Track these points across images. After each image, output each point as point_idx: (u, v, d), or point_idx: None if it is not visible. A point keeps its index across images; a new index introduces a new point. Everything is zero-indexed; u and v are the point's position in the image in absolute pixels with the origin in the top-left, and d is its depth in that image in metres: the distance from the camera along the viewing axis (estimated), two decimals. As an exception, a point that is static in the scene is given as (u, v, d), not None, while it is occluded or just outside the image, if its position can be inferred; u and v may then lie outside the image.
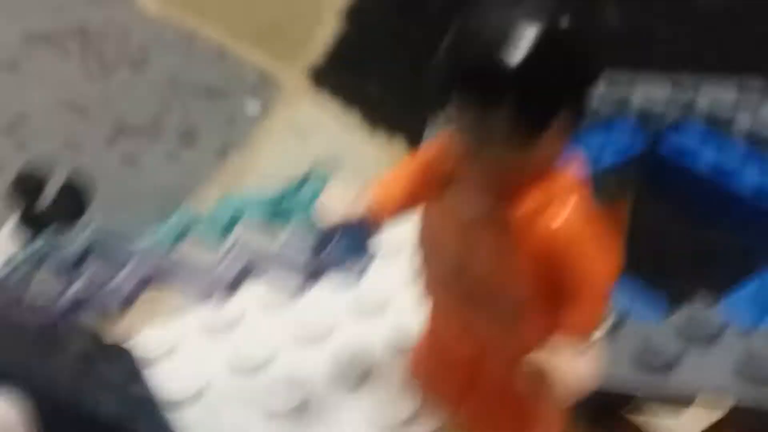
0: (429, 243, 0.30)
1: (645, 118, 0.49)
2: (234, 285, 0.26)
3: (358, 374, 0.33)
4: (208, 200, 0.78)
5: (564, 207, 0.25)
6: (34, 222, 0.29)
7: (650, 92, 0.51)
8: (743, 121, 0.47)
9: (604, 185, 0.49)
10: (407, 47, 1.00)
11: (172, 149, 0.86)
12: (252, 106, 0.92)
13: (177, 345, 0.34)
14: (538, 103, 0.24)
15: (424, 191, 0.28)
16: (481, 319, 0.28)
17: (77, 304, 0.24)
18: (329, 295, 0.37)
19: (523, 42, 0.23)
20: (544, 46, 0.24)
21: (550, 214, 0.25)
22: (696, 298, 0.36)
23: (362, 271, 0.27)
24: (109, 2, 1.15)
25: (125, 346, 0.31)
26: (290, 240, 0.27)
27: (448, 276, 0.29)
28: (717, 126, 0.48)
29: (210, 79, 0.96)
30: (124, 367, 0.28)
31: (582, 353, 0.25)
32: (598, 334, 0.26)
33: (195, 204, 0.77)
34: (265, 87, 0.95)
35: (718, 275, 0.53)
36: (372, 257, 0.27)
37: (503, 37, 0.23)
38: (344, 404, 0.32)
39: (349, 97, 0.92)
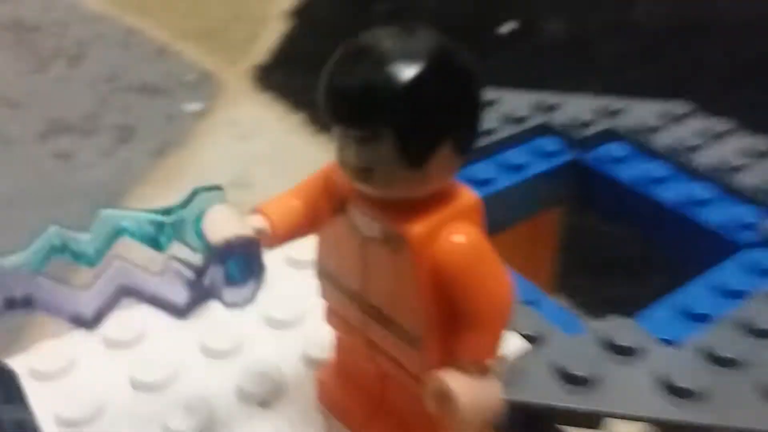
0: (329, 263, 0.29)
1: (569, 134, 0.50)
2: (104, 311, 0.24)
3: (266, 392, 0.32)
4: (144, 198, 0.77)
5: (458, 229, 0.25)
6: None
7: (575, 111, 0.51)
8: (664, 140, 0.48)
9: (533, 194, 0.49)
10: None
11: (107, 146, 0.85)
12: (192, 105, 0.91)
13: (74, 361, 0.33)
14: (421, 129, 0.23)
15: (319, 213, 0.28)
16: (385, 344, 0.28)
17: None
18: (237, 311, 0.36)
19: (405, 70, 0.23)
20: (428, 75, 0.23)
21: (444, 237, 0.25)
22: (617, 310, 0.36)
23: (253, 293, 0.26)
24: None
25: (2, 365, 0.29)
26: (173, 261, 0.25)
27: (350, 295, 0.28)
28: (639, 142, 0.49)
29: (149, 77, 0.94)
30: (1, 387, 0.26)
31: (481, 381, 0.25)
32: (498, 357, 0.25)
33: (130, 202, 0.76)
34: (206, 86, 0.94)
35: (641, 286, 0.54)
36: (262, 278, 0.26)
37: (385, 64, 0.23)
38: (250, 423, 0.31)
39: (294, 99, 0.91)
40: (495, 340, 0.25)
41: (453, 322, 0.25)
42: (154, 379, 0.32)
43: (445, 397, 0.24)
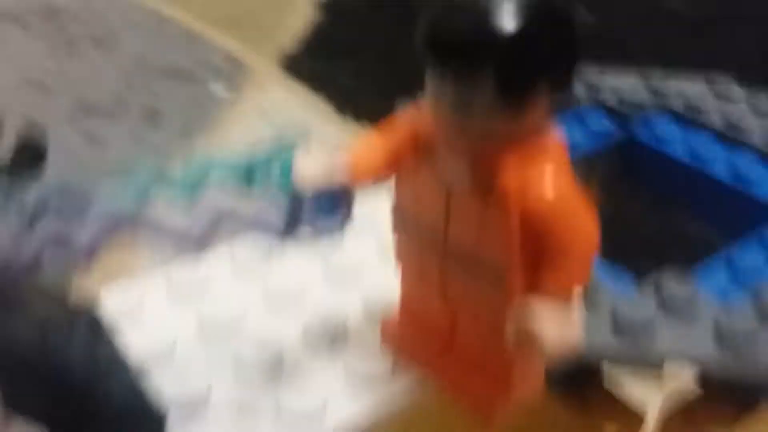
0: (407, 210, 0.29)
1: (616, 109, 0.50)
2: (202, 243, 0.25)
3: (331, 337, 0.32)
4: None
5: (548, 176, 0.25)
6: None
7: (621, 85, 0.51)
8: (713, 114, 0.48)
9: (580, 172, 0.49)
10: (379, 36, 1.00)
11: (136, 129, 0.85)
12: (220, 90, 0.91)
13: (143, 305, 0.33)
14: (519, 75, 0.24)
15: (401, 159, 0.28)
16: (461, 285, 0.28)
17: (37, 261, 0.23)
18: (302, 260, 0.36)
19: (504, 13, 0.23)
20: (526, 18, 0.23)
21: (534, 184, 0.25)
22: (666, 274, 0.36)
23: (338, 236, 0.27)
24: (77, -19, 1.14)
25: (90, 307, 0.30)
26: (262, 202, 0.26)
27: (427, 243, 0.28)
28: (688, 117, 0.49)
29: (178, 62, 0.94)
30: (90, 328, 0.27)
31: (566, 314, 0.25)
32: (579, 297, 0.26)
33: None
34: (233, 71, 0.94)
35: (689, 259, 0.54)
36: (348, 221, 0.27)
37: (485, 7, 0.23)
38: (317, 365, 0.31)
39: (320, 84, 0.91)
40: (579, 275, 0.26)
41: (537, 259, 0.26)
42: (223, 319, 0.33)
43: (528, 329, 0.25)
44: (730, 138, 0.47)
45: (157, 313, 0.33)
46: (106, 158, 0.80)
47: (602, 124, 0.50)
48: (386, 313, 0.33)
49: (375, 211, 0.36)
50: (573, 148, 0.48)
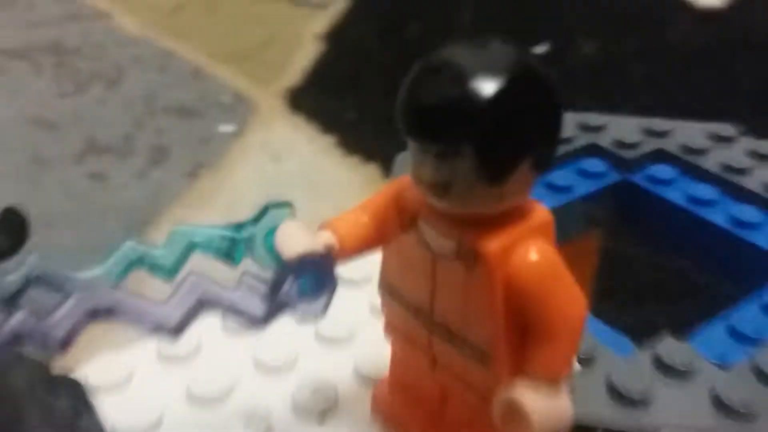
0: (394, 281, 0.29)
1: (616, 155, 0.49)
2: (186, 321, 0.25)
3: (322, 406, 0.32)
4: (177, 219, 0.77)
5: (533, 245, 0.25)
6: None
7: (621, 132, 0.51)
8: (712, 163, 0.48)
9: (579, 215, 0.49)
10: (384, 73, 1.01)
11: (142, 167, 0.85)
12: (226, 126, 0.91)
13: (131, 375, 0.33)
14: (502, 146, 0.23)
15: (387, 229, 0.28)
16: (449, 359, 0.28)
17: (17, 337, 0.23)
18: (291, 327, 0.36)
19: (487, 85, 0.22)
20: (508, 91, 0.23)
21: (520, 252, 0.25)
22: (665, 333, 0.36)
23: (325, 306, 0.26)
24: (86, 19, 1.15)
25: (73, 377, 0.29)
26: (247, 275, 0.25)
27: (415, 314, 0.28)
28: (687, 164, 0.48)
29: (184, 99, 0.95)
30: (73, 399, 0.27)
31: (554, 395, 0.24)
32: (570, 373, 0.25)
33: (164, 224, 0.76)
34: (240, 108, 0.95)
35: (689, 309, 0.53)
36: (334, 292, 0.26)
37: (465, 80, 0.23)
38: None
39: (326, 121, 0.92)
40: (568, 354, 0.25)
41: (523, 338, 0.25)
42: (211, 392, 0.32)
43: (516, 412, 0.24)
44: (729, 182, 0.47)
45: (144, 383, 0.33)
46: (112, 197, 0.81)
47: (598, 166, 0.49)
48: (377, 378, 0.33)
49: (367, 270, 0.36)
50: (568, 190, 0.48)
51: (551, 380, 0.25)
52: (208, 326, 0.36)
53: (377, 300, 0.36)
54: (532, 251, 0.25)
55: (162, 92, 0.97)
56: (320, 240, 0.27)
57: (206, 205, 0.78)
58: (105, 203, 0.80)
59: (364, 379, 0.33)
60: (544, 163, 0.24)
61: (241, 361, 0.34)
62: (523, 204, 0.26)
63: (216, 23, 1.15)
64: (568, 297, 0.25)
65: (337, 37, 1.11)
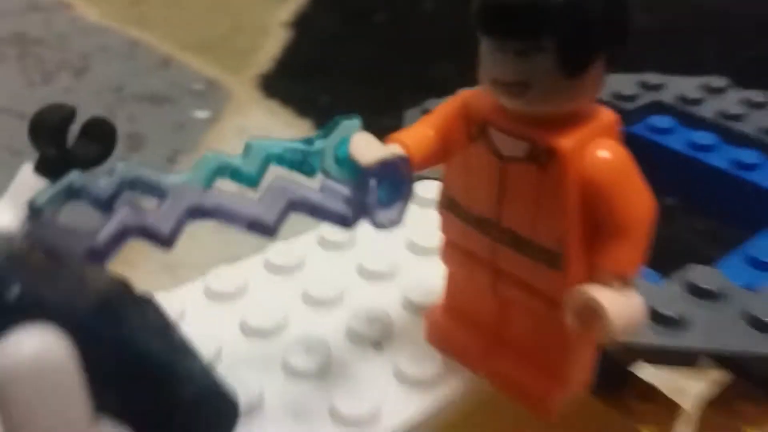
0: (458, 194, 0.29)
1: (616, 107, 0.51)
2: (281, 219, 0.24)
3: (377, 334, 0.32)
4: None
5: (606, 143, 0.25)
6: (56, 162, 0.27)
7: (618, 86, 0.52)
8: (708, 112, 0.50)
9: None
10: (353, 57, 1.01)
11: (118, 154, 0.84)
12: (200, 113, 0.91)
13: (183, 312, 0.33)
14: (583, 38, 0.24)
15: (453, 142, 0.28)
16: (514, 270, 0.28)
17: (125, 231, 0.22)
18: (336, 262, 0.36)
19: None
20: None
21: (593, 150, 0.25)
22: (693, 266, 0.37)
23: (401, 213, 0.26)
24: (47, 9, 1.12)
25: (149, 293, 0.29)
26: (327, 182, 0.26)
27: (479, 226, 0.28)
28: (684, 114, 0.50)
29: (156, 87, 0.94)
30: (157, 312, 0.26)
31: (628, 294, 0.25)
32: (638, 274, 0.26)
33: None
34: (213, 94, 0.94)
35: (701, 251, 0.55)
36: (409, 199, 0.27)
37: None
38: (365, 367, 0.31)
39: (300, 106, 0.92)
40: (639, 253, 0.26)
41: (593, 238, 0.26)
42: (267, 324, 0.32)
43: (593, 311, 0.24)
44: (726, 128, 0.49)
45: (198, 319, 0.33)
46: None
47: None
48: (428, 309, 0.33)
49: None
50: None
51: (623, 278, 0.25)
52: (254, 264, 0.36)
53: (416, 237, 0.37)
54: (605, 149, 0.25)
55: (131, 81, 0.95)
56: (391, 150, 0.27)
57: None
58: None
59: (415, 306, 0.34)
60: (616, 60, 0.25)
61: (289, 297, 0.34)
62: (590, 107, 0.26)
63: (179, 13, 1.14)
64: (640, 195, 0.26)
65: (304, 25, 1.11)
